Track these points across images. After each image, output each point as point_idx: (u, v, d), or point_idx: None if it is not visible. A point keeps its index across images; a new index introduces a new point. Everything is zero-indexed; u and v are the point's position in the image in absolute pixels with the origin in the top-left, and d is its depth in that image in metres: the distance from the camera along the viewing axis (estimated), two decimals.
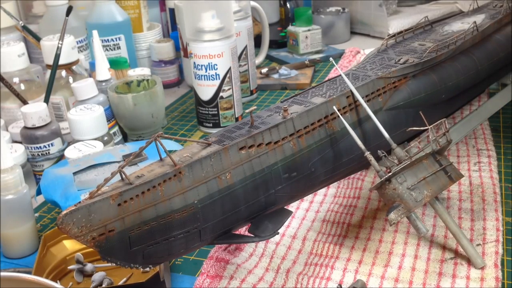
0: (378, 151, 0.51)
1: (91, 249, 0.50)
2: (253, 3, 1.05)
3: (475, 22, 0.73)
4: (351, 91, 0.55)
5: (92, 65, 0.95)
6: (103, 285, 0.55)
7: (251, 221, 0.48)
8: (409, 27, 0.85)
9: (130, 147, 0.68)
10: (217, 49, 0.85)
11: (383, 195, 0.52)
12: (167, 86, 1.09)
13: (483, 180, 0.67)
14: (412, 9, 1.41)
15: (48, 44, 0.85)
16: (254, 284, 0.54)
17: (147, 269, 0.43)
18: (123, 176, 0.41)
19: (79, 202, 0.39)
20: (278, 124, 0.49)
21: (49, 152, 0.76)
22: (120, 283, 0.56)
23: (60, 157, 0.77)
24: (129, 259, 0.41)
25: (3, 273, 0.43)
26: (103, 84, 0.88)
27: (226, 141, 0.46)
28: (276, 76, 1.11)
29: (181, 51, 1.09)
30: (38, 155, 0.76)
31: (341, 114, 0.53)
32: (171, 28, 1.24)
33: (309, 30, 1.21)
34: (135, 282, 0.56)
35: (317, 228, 0.63)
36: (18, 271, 0.59)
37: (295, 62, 1.17)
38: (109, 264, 0.55)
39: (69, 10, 0.89)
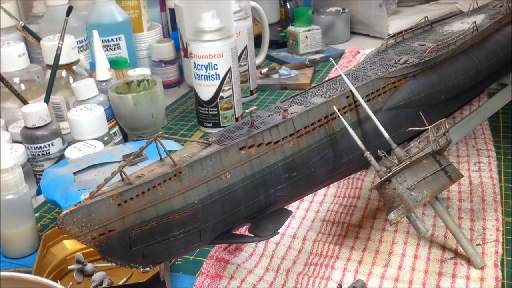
0: (378, 151, 0.51)
1: (91, 249, 0.50)
2: (253, 3, 1.05)
3: (475, 22, 0.73)
4: (351, 91, 0.55)
5: (92, 65, 0.95)
6: (103, 285, 0.55)
7: (251, 221, 0.48)
8: (409, 27, 0.85)
9: (130, 147, 0.68)
10: (217, 49, 0.85)
11: (383, 195, 0.52)
12: (167, 86, 1.09)
13: (483, 180, 0.67)
14: (412, 9, 1.41)
15: (48, 44, 0.85)
16: (254, 284, 0.54)
17: (147, 269, 0.43)
18: (123, 176, 0.41)
19: (79, 202, 0.39)
20: (278, 124, 0.49)
21: (49, 152, 0.76)
22: (120, 283, 0.56)
23: (60, 157, 0.77)
24: (129, 259, 0.41)
25: (3, 273, 0.43)
26: (103, 84, 0.88)
27: (226, 141, 0.46)
28: (276, 76, 1.11)
29: (181, 51, 1.10)
30: (38, 155, 0.76)
31: (341, 114, 0.53)
32: (171, 28, 1.24)
33: (309, 30, 1.21)
34: (135, 282, 0.56)
35: (317, 228, 0.63)
36: (18, 271, 0.59)
37: (295, 62, 1.17)
38: (109, 264, 0.56)
39: (69, 10, 0.89)
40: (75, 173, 0.62)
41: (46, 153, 0.76)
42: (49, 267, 0.57)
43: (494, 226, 0.58)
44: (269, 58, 1.24)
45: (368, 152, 0.51)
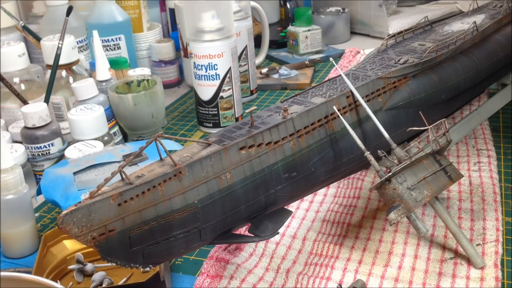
0: (378, 151, 0.51)
1: (91, 249, 0.50)
2: (253, 3, 1.05)
3: (475, 22, 0.73)
4: (351, 91, 0.55)
5: (92, 65, 0.95)
6: (103, 285, 0.55)
7: (251, 221, 0.48)
8: (409, 27, 0.85)
9: (130, 147, 0.68)
10: (217, 49, 0.85)
11: (383, 195, 0.52)
12: (167, 86, 1.09)
13: (483, 180, 0.67)
14: (412, 9, 1.41)
15: (49, 44, 0.85)
16: (254, 284, 0.54)
17: (147, 269, 0.43)
18: (123, 176, 0.41)
19: (79, 202, 0.39)
20: (278, 124, 0.49)
21: (49, 152, 0.76)
22: (120, 283, 0.56)
23: (60, 157, 0.77)
24: (129, 259, 0.41)
25: (3, 273, 0.43)
26: (103, 84, 0.88)
27: (226, 141, 0.46)
28: (276, 76, 1.11)
29: (181, 51, 1.10)
30: (38, 155, 0.76)
31: (341, 114, 0.53)
32: (171, 28, 1.24)
33: (309, 30, 1.21)
34: (135, 282, 0.56)
35: (317, 228, 0.63)
36: (18, 271, 0.59)
37: (295, 62, 1.17)
38: (109, 264, 0.56)
39: (69, 10, 0.89)
40: (75, 173, 0.62)
41: (46, 153, 0.76)
42: (49, 267, 0.57)
43: (494, 226, 0.58)
44: (269, 58, 1.24)
45: (368, 152, 0.51)
